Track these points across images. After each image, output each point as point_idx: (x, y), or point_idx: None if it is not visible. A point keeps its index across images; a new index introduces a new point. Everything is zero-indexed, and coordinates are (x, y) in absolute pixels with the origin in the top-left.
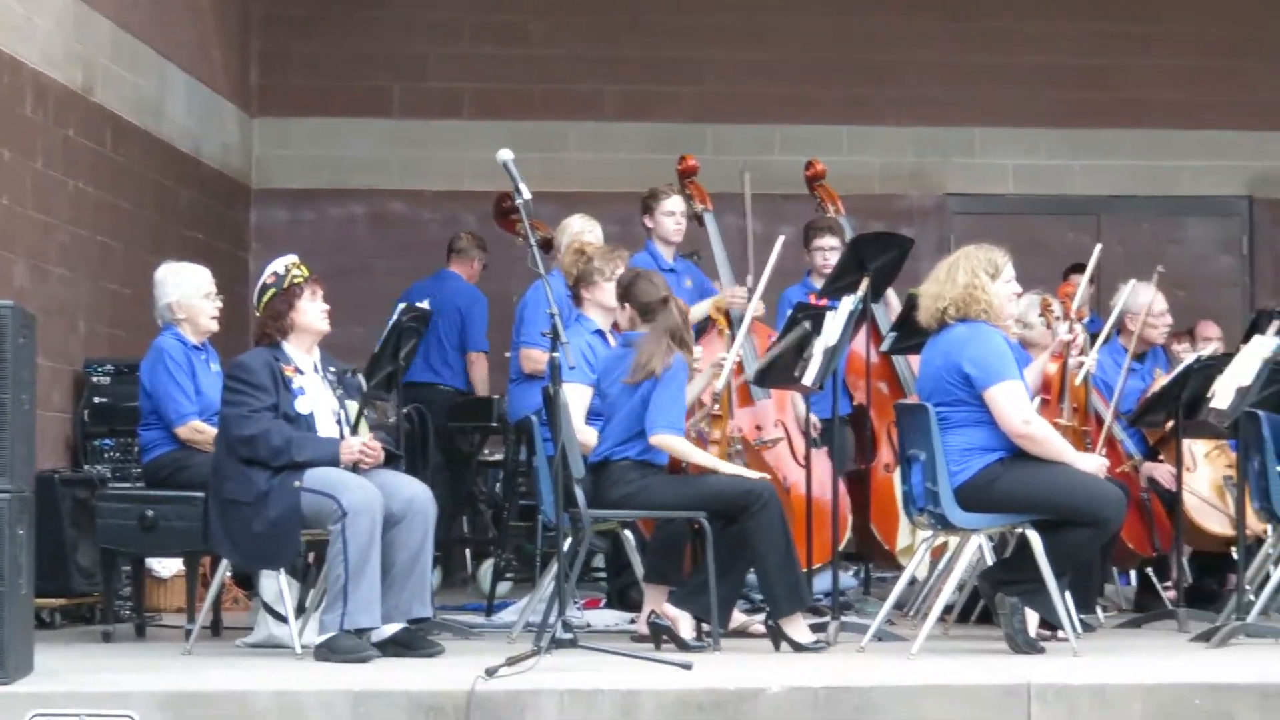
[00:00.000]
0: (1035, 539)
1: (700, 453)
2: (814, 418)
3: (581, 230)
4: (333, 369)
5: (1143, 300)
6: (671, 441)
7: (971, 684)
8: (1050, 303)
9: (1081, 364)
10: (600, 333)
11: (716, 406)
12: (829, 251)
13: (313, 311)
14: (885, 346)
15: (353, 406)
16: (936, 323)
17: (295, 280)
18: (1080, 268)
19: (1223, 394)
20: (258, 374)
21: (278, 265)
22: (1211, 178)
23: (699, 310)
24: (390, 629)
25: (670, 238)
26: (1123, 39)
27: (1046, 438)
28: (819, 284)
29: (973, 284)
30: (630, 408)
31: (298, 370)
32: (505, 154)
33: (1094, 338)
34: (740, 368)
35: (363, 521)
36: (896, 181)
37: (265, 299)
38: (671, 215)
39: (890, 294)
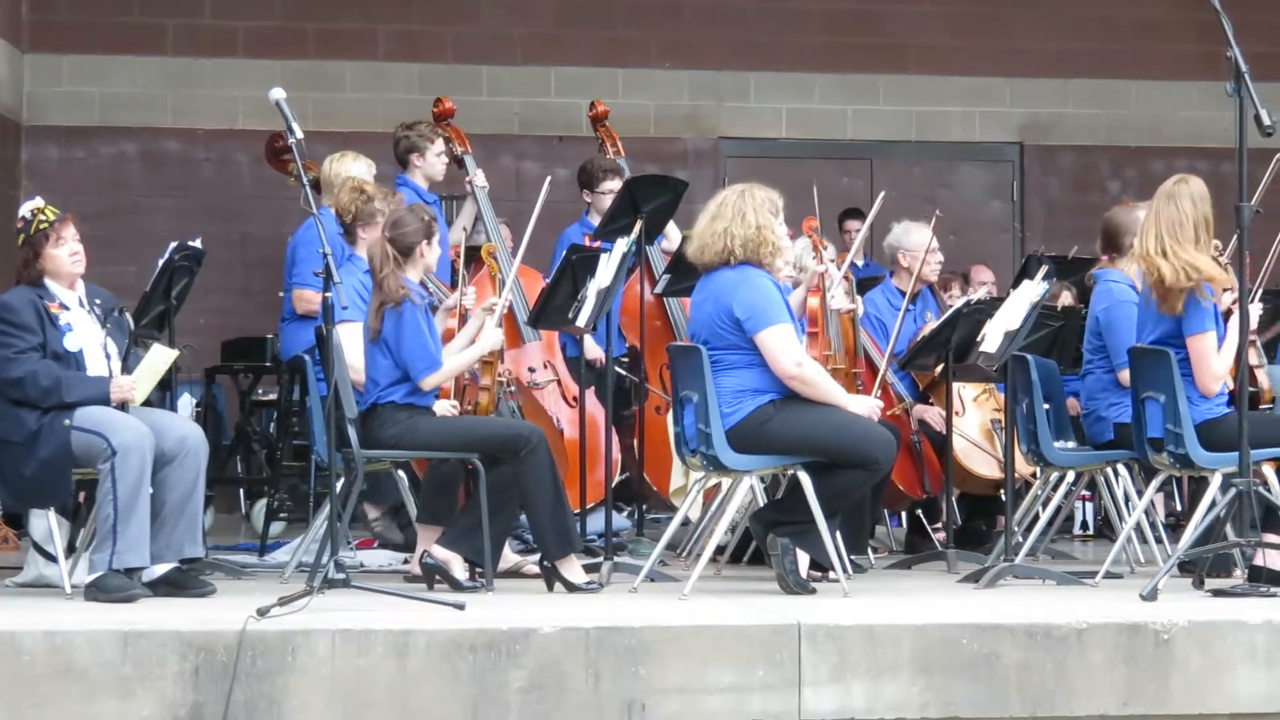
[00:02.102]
0: (806, 480)
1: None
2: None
3: (355, 168)
4: (99, 301)
5: (918, 239)
6: (438, 379)
7: (742, 624)
8: (820, 240)
9: (851, 309)
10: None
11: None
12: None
13: (61, 257)
14: (658, 289)
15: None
16: (719, 262)
17: (41, 225)
18: (853, 212)
19: (991, 338)
20: (21, 313)
21: (25, 209)
22: (982, 124)
23: None
24: (161, 568)
25: (438, 177)
26: None
27: (818, 380)
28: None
29: (763, 224)
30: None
31: (63, 307)
32: (277, 93)
33: (868, 282)
34: (510, 311)
35: (132, 460)
36: (671, 124)
37: (20, 242)
38: (441, 156)
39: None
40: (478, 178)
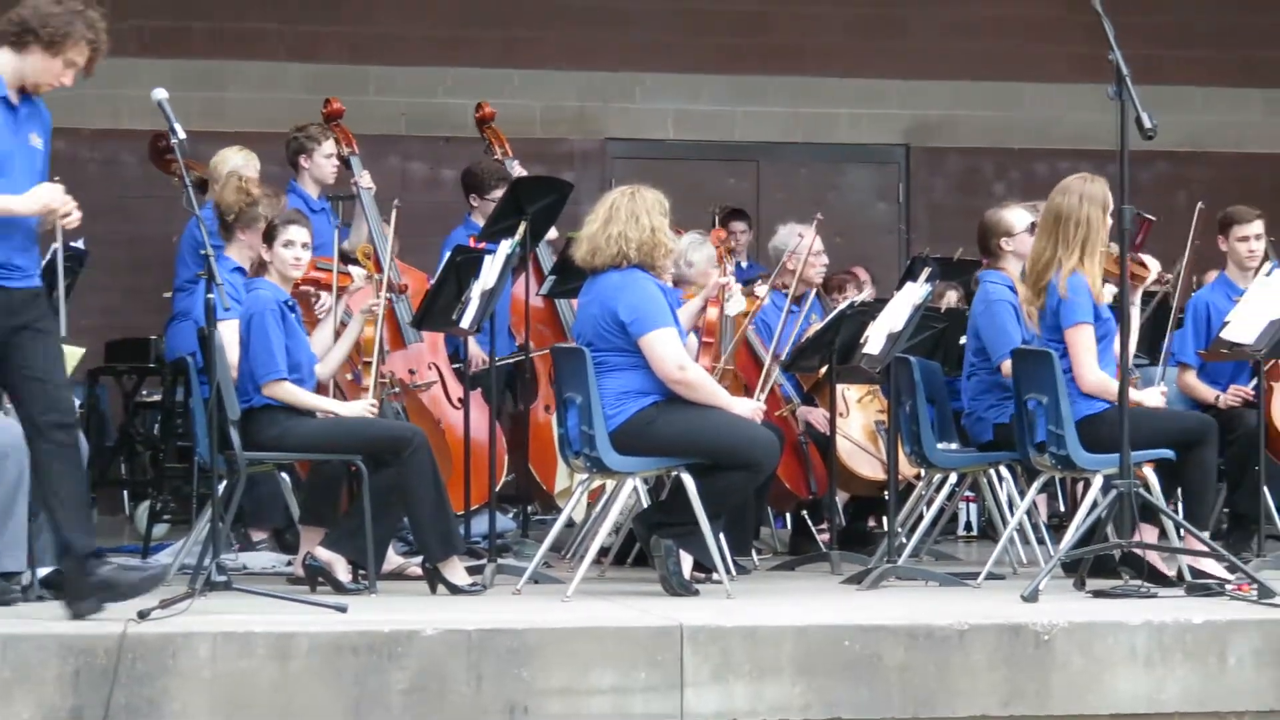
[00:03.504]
0: (689, 482)
1: (306, 394)
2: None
3: (241, 165)
4: None
5: (801, 241)
6: (276, 391)
7: (625, 626)
8: (725, 252)
9: (746, 310)
10: (241, 270)
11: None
12: None
13: None
14: (544, 290)
15: None
16: (609, 265)
17: None
18: (738, 213)
19: (875, 340)
20: None
21: None
22: (868, 125)
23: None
24: (41, 571)
25: (328, 180)
26: None
27: (701, 383)
28: None
29: (656, 226)
30: None
31: None
32: (159, 93)
33: (751, 283)
34: (391, 312)
35: (9, 464)
36: (558, 125)
37: None
38: (330, 158)
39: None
40: (363, 179)
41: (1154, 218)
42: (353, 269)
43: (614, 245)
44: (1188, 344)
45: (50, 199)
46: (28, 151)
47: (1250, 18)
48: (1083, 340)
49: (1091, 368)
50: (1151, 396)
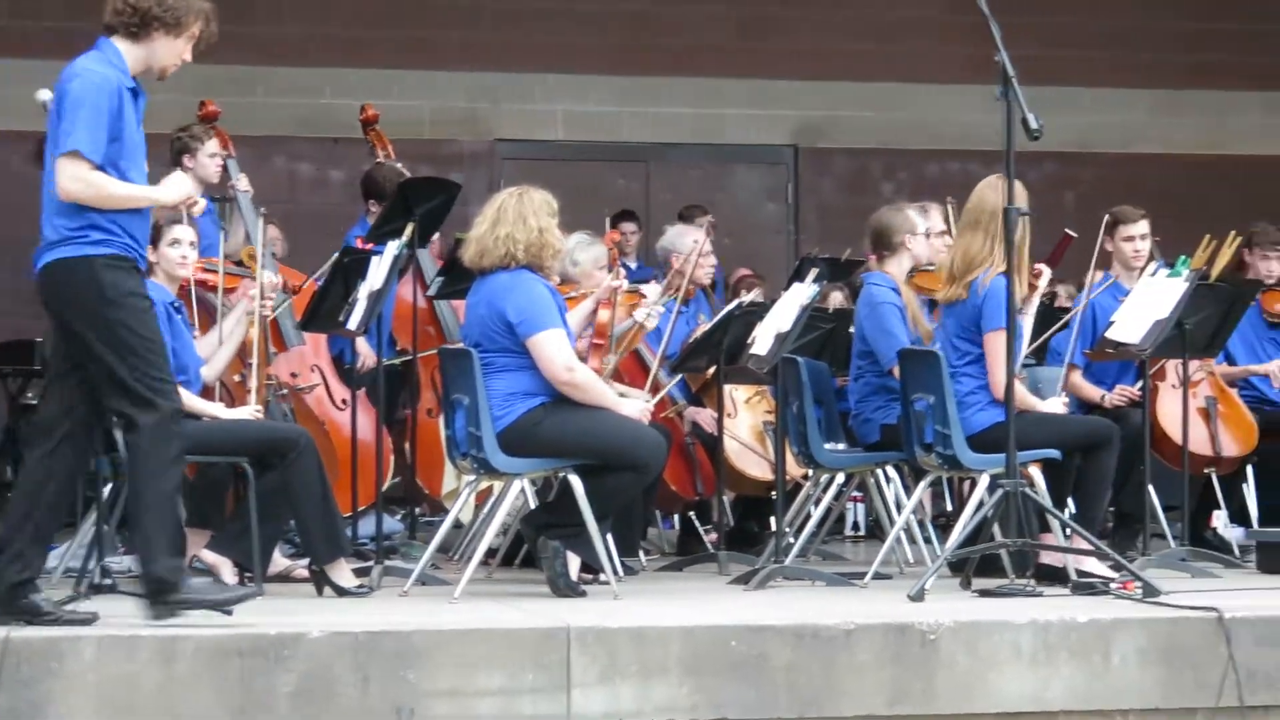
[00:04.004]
0: (577, 483)
1: (192, 397)
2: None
3: None
4: None
5: (690, 242)
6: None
7: (512, 628)
8: (618, 255)
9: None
10: None
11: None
12: None
13: None
14: (431, 292)
15: None
16: (498, 266)
17: None
18: (627, 214)
19: (762, 340)
20: None
21: None
22: (757, 126)
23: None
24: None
25: (212, 179)
26: None
27: (589, 384)
28: None
29: (544, 227)
30: None
31: None
32: (44, 94)
33: (639, 283)
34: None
35: None
36: (447, 126)
37: None
38: (214, 158)
39: None
40: (240, 182)
41: (1075, 234)
42: (267, 273)
43: (502, 246)
44: (1074, 344)
45: (189, 188)
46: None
47: (1137, 19)
48: (1002, 345)
49: (1006, 371)
50: (1053, 405)
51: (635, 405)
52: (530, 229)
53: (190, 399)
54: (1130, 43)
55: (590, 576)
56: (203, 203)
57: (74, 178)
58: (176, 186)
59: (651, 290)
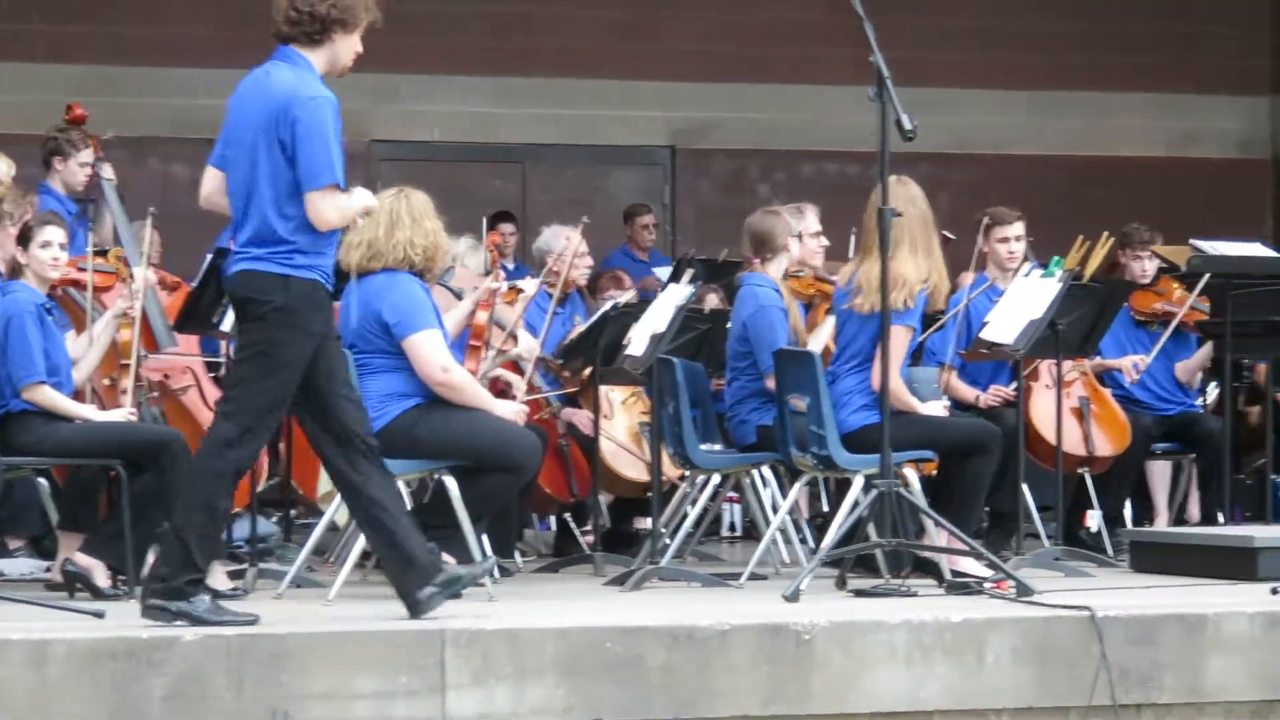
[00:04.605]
0: (452, 484)
1: (64, 399)
2: None
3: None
4: None
5: (566, 242)
6: (35, 395)
7: (387, 630)
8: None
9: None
10: None
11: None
12: None
13: None
14: None
15: None
16: (386, 268)
17: None
18: (504, 215)
19: (638, 341)
20: None
21: None
22: (635, 128)
23: None
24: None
25: (78, 186)
26: None
27: (465, 385)
28: None
29: (436, 229)
30: None
31: None
32: None
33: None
34: (145, 316)
35: None
36: None
37: None
38: (85, 166)
39: None
40: (105, 170)
41: (953, 236)
42: (139, 270)
43: (400, 250)
44: (949, 343)
45: (372, 200)
46: None
47: (1011, 20)
48: (898, 342)
49: (895, 372)
50: (934, 408)
51: (511, 407)
52: (427, 232)
53: (62, 401)
54: (1005, 44)
55: None
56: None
57: (334, 208)
58: (366, 199)
59: (529, 284)
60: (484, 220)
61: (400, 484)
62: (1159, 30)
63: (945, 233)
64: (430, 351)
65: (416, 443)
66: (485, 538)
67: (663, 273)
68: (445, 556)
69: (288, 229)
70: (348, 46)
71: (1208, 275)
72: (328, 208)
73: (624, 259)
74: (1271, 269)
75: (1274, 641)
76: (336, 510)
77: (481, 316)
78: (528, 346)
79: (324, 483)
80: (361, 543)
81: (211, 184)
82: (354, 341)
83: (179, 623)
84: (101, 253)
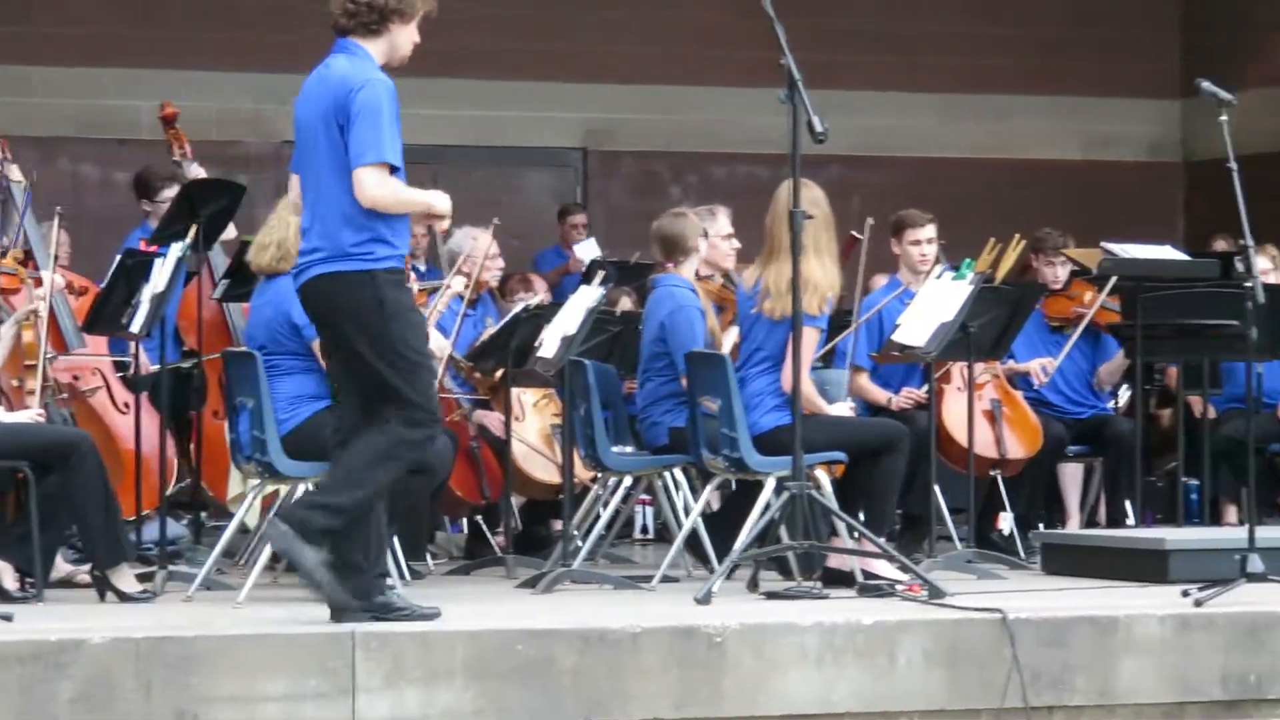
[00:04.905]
0: None
1: None
2: None
3: None
4: None
5: (477, 245)
6: None
7: (296, 633)
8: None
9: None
10: None
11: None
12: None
13: None
14: (216, 294)
15: None
16: (292, 268)
17: None
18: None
19: (549, 343)
20: None
21: None
22: (545, 129)
23: None
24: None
25: None
26: None
27: None
28: None
29: None
30: None
31: None
32: None
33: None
34: (53, 317)
35: None
36: (234, 128)
37: None
38: None
39: None
40: (12, 173)
41: (861, 236)
42: (45, 272)
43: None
44: (861, 346)
45: (442, 204)
46: None
47: (922, 24)
48: (807, 343)
49: (805, 374)
50: (840, 409)
51: None
52: None
53: None
54: (916, 46)
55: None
56: (447, 222)
57: (382, 185)
58: (444, 197)
59: (457, 281)
60: None
61: (310, 486)
62: (1070, 33)
63: (854, 233)
64: None
65: (326, 445)
66: (397, 540)
67: (585, 251)
68: None
69: (357, 211)
70: (405, 36)
71: (1114, 278)
72: (373, 184)
73: (556, 258)
74: (1181, 271)
75: (1185, 644)
76: (246, 512)
77: None
78: (438, 345)
79: (234, 484)
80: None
81: (294, 190)
82: (264, 343)
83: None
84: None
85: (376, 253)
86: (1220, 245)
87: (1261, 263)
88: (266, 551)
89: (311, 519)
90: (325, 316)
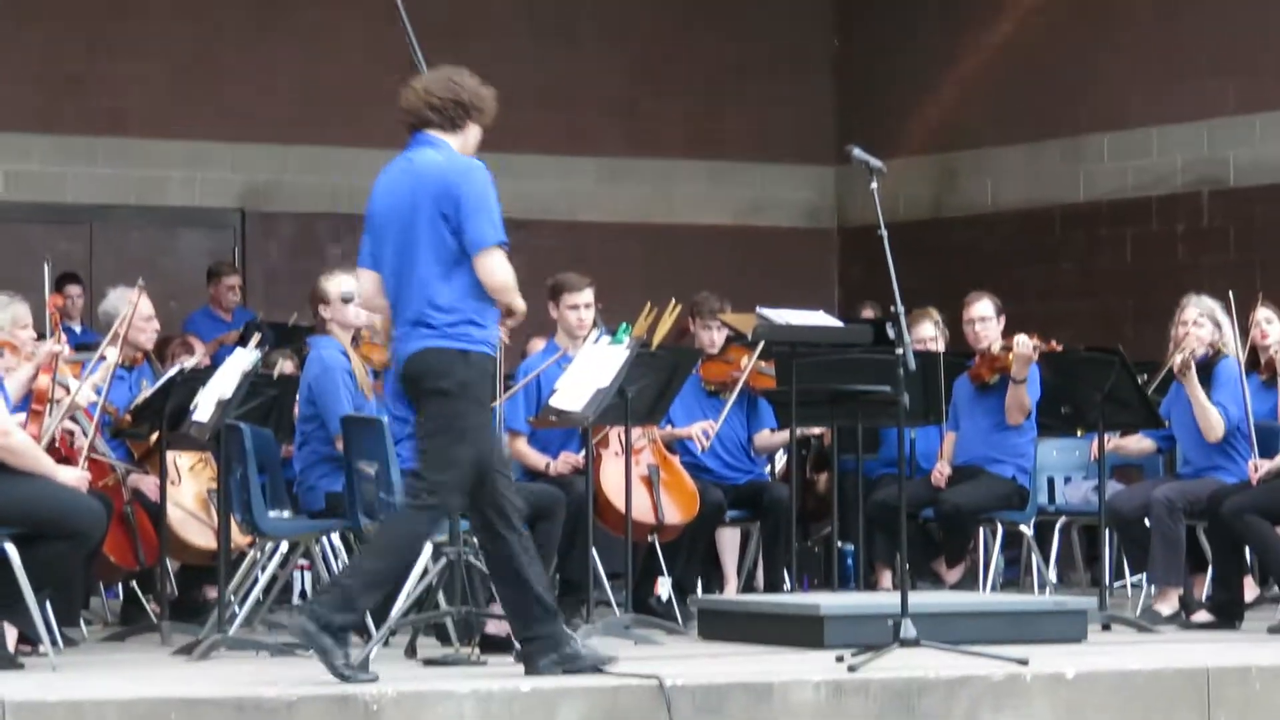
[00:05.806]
0: (13, 552)
1: None
2: None
3: None
4: None
5: (127, 306)
6: None
7: None
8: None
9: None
10: None
11: None
12: None
13: None
14: None
15: None
16: None
17: None
18: (70, 277)
19: (204, 406)
20: None
21: None
22: (203, 189)
23: None
24: None
25: None
26: (105, 49)
27: (25, 450)
28: None
29: None
30: None
31: None
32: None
33: (84, 347)
34: None
35: None
36: None
37: None
38: None
39: None
40: None
41: None
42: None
43: None
44: (518, 410)
45: (521, 305)
46: None
47: (580, 85)
48: None
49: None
50: None
51: (73, 473)
52: None
53: None
54: (574, 109)
55: (28, 648)
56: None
57: (504, 267)
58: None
59: (111, 353)
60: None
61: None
62: (725, 99)
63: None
64: None
65: None
66: (48, 606)
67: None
68: (7, 626)
69: (453, 297)
70: (476, 134)
71: (763, 342)
72: (498, 265)
73: (206, 319)
74: (834, 337)
75: (839, 709)
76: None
77: (44, 380)
78: (84, 394)
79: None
80: None
81: (369, 285)
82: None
83: None
84: None
85: (472, 335)
86: (868, 313)
87: (925, 328)
88: None
89: None
90: (419, 385)
